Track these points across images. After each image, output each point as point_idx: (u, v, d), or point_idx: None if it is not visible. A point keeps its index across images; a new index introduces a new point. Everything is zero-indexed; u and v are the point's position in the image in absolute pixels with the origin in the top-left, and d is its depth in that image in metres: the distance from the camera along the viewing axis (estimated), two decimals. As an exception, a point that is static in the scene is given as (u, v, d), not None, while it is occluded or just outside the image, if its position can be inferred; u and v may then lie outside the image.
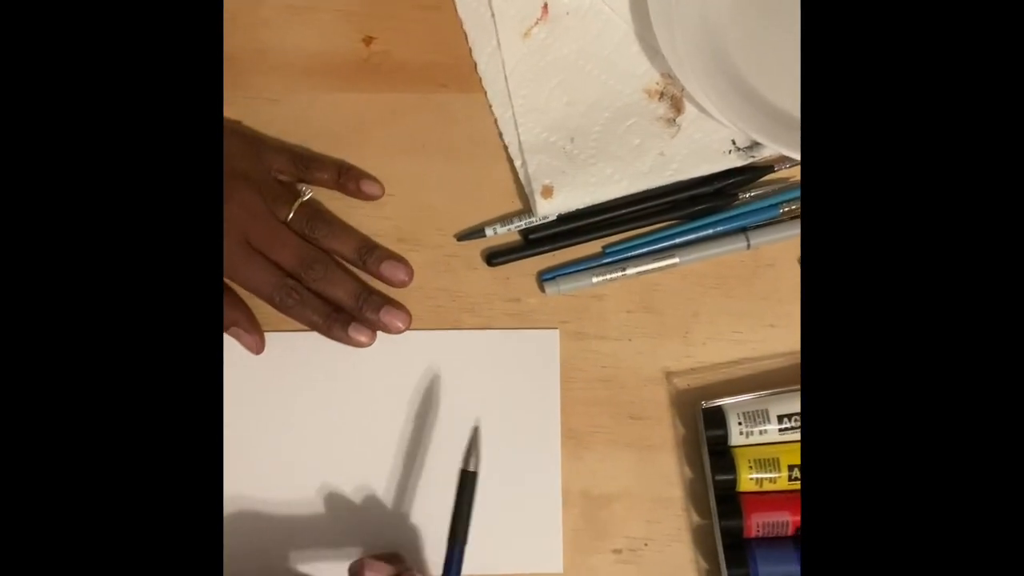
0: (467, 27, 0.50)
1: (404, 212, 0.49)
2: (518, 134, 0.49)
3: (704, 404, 0.46)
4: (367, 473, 0.46)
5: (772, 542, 0.44)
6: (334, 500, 0.46)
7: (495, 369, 0.47)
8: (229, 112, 0.49)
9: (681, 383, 0.47)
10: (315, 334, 0.46)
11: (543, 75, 0.50)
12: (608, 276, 0.47)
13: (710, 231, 0.48)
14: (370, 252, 0.47)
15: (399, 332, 0.46)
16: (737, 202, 0.49)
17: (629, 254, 0.48)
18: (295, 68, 0.50)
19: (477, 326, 0.48)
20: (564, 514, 0.46)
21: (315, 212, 0.47)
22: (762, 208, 0.48)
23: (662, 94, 0.49)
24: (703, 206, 0.48)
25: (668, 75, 0.49)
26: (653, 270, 0.48)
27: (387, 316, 0.46)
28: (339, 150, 0.49)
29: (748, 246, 0.48)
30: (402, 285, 0.47)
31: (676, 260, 0.48)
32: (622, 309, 0.48)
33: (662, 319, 0.48)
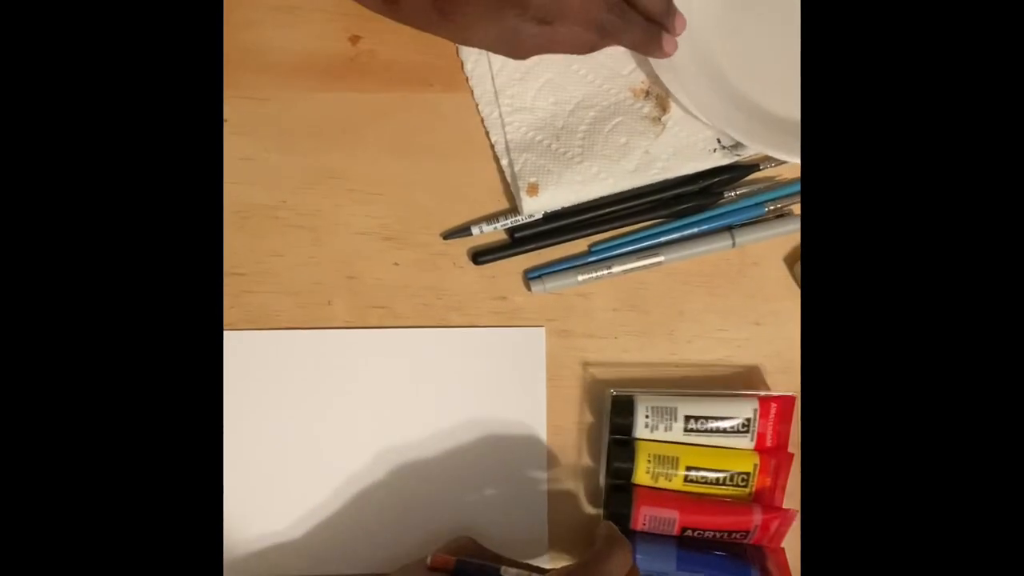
0: (454, 27, 0.50)
1: (391, 211, 0.49)
2: (505, 133, 0.49)
3: (614, 392, 0.46)
4: (353, 471, 0.46)
5: (655, 538, 0.44)
6: (319, 497, 0.46)
7: (481, 367, 0.47)
8: (216, 111, 0.49)
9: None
10: (300, 332, 0.46)
11: (530, 74, 0.50)
12: (594, 274, 0.48)
13: (695, 229, 0.48)
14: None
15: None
16: (722, 200, 0.49)
17: (615, 252, 0.48)
18: (282, 67, 0.50)
19: (463, 324, 0.48)
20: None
21: None
22: (747, 206, 0.48)
23: (648, 93, 0.49)
24: (688, 204, 0.48)
25: (653, 75, 0.49)
26: (639, 268, 0.48)
27: (680, 22, 0.46)
28: (326, 149, 0.49)
29: (733, 244, 0.48)
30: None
31: (661, 258, 0.48)
32: (608, 307, 0.48)
33: (648, 317, 0.48)
